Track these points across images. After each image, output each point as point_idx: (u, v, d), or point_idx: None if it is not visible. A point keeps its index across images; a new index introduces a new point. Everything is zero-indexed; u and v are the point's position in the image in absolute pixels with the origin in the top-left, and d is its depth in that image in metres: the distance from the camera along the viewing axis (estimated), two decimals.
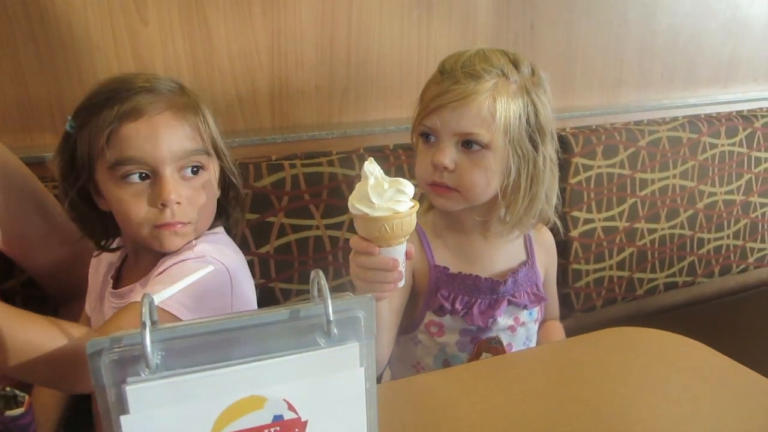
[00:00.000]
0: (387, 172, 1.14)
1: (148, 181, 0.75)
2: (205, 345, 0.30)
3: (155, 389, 0.29)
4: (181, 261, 0.75)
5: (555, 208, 0.92)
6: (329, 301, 0.31)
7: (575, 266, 1.35)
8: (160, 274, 0.74)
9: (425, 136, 0.87)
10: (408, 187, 0.66)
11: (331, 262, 1.14)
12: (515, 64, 0.85)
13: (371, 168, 0.66)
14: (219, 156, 0.81)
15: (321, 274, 0.33)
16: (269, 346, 0.31)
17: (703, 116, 1.51)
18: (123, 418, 0.29)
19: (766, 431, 0.65)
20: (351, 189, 1.12)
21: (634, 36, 1.53)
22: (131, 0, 1.06)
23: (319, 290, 0.32)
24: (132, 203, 0.74)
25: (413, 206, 0.66)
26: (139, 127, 0.73)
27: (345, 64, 1.25)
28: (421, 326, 0.93)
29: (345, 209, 1.14)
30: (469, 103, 0.81)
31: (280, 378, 0.32)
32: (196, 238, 0.79)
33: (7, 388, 0.62)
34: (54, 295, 0.98)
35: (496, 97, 0.81)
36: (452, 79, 0.83)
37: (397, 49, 1.28)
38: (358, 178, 1.11)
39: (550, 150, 0.87)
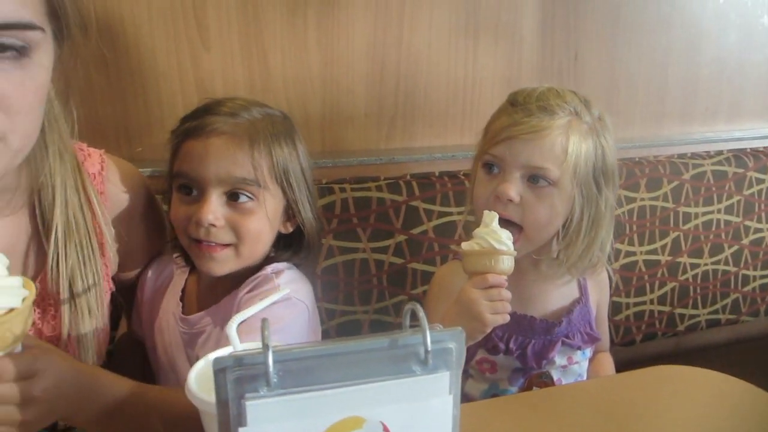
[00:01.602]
0: (432, 199, 1.18)
1: (196, 196, 0.78)
2: (315, 367, 0.32)
3: (272, 405, 0.31)
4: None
5: (608, 257, 0.91)
6: (428, 332, 0.33)
7: (615, 299, 1.35)
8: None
9: (488, 166, 0.86)
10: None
11: (375, 285, 1.17)
12: (586, 105, 0.86)
13: (496, 217, 0.79)
14: (284, 190, 0.81)
15: (418, 306, 0.35)
16: (369, 371, 0.33)
17: (749, 150, 1.50)
18: (241, 430, 0.32)
19: None
20: (398, 214, 1.17)
21: (677, 68, 1.54)
22: (195, 28, 1.12)
23: (413, 320, 0.34)
24: (178, 214, 0.79)
25: None
26: (195, 145, 0.77)
27: (393, 92, 1.28)
28: (473, 362, 0.93)
29: (391, 233, 1.18)
30: (543, 137, 0.81)
31: (378, 401, 0.34)
32: (275, 273, 0.81)
33: None
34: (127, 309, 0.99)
35: (570, 134, 0.82)
36: (525, 111, 0.83)
37: (444, 79, 1.32)
38: (405, 203, 1.16)
39: (611, 195, 0.87)
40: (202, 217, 0.75)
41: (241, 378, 0.31)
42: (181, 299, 0.87)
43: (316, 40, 1.19)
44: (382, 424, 0.34)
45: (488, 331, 0.77)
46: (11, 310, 0.51)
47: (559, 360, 0.93)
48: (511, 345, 0.90)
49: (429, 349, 0.33)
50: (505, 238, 0.76)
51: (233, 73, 1.16)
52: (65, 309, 0.72)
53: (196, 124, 0.78)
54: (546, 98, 0.84)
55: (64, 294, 0.72)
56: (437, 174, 1.23)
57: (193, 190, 0.77)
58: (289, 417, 0.32)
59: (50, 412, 0.58)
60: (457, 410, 0.36)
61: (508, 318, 0.76)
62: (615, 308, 1.35)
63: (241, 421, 0.31)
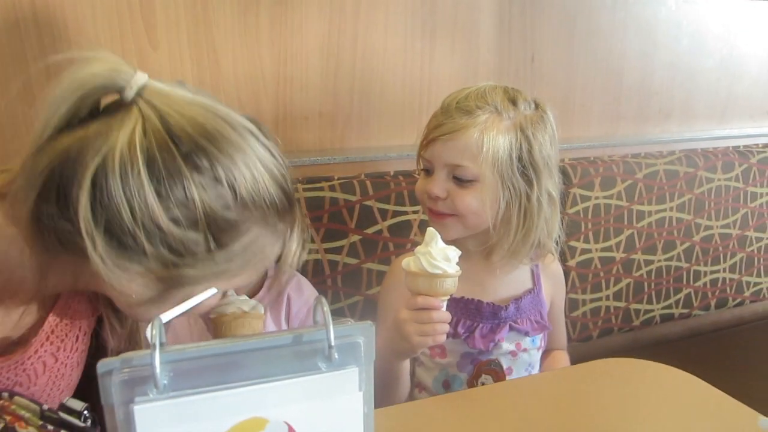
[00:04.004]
0: (387, 198, 1.18)
1: None
2: (212, 367, 0.31)
3: (162, 409, 0.30)
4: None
5: (556, 240, 0.93)
6: (331, 326, 0.32)
7: (572, 296, 1.36)
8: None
9: (425, 170, 0.92)
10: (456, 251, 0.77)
11: (330, 286, 1.15)
12: (513, 102, 0.87)
13: (437, 236, 0.75)
14: None
15: (323, 300, 0.34)
16: (272, 369, 0.32)
17: (699, 151, 1.54)
18: None
19: None
20: (352, 214, 1.16)
21: (632, 72, 1.57)
22: (142, 24, 1.09)
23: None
24: None
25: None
26: None
27: (349, 91, 1.27)
28: None
29: (345, 234, 1.16)
30: (459, 136, 0.85)
31: (282, 401, 0.32)
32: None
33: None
34: None
35: (485, 131, 0.85)
36: (447, 114, 0.87)
37: (400, 79, 1.31)
38: (359, 203, 1.14)
39: (548, 186, 0.88)
40: None
41: (129, 381, 0.29)
42: None
43: (268, 39, 1.17)
44: (287, 424, 0.33)
45: (418, 352, 0.79)
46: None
47: (507, 345, 0.94)
48: (459, 328, 0.92)
49: (332, 343, 0.32)
50: (441, 259, 0.74)
51: (182, 72, 1.13)
52: None
53: None
54: (467, 100, 0.87)
55: None
56: (392, 173, 1.22)
57: None
58: (184, 421, 0.30)
59: None
60: (369, 407, 0.35)
61: (440, 340, 0.78)
62: (572, 305, 1.37)
63: (130, 427, 0.29)
